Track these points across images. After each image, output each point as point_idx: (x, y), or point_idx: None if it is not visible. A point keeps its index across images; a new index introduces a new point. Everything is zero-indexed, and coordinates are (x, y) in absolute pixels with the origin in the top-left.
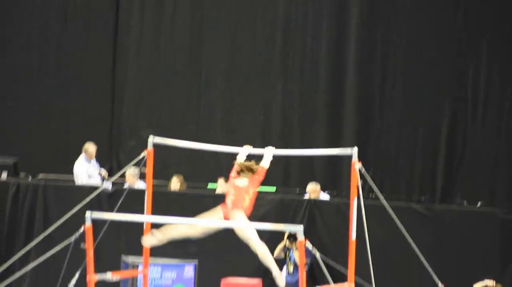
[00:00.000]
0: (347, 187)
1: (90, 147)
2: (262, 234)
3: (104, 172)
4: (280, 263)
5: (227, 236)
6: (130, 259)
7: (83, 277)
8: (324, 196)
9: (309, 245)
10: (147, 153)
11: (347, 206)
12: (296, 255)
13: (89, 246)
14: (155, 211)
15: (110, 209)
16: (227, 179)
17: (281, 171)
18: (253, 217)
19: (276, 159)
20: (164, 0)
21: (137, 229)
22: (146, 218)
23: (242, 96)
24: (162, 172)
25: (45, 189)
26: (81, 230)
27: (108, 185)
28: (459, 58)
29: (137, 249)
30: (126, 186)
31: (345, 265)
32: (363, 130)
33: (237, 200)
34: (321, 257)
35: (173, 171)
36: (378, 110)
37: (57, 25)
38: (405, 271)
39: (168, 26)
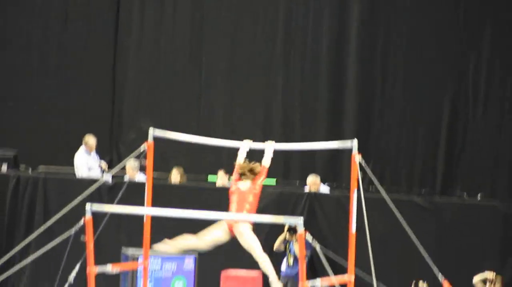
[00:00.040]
0: (347, 180)
1: (90, 139)
2: (262, 226)
3: (104, 165)
4: (280, 255)
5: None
6: (130, 251)
7: (83, 269)
8: (324, 189)
9: (309, 238)
10: (148, 146)
11: (347, 198)
12: (296, 247)
13: (89, 239)
14: (155, 203)
15: (110, 202)
16: (226, 171)
17: (281, 164)
18: None
19: (276, 151)
20: None
21: (137, 221)
22: (146, 210)
23: (242, 95)
24: (162, 165)
25: (45, 182)
26: (81, 222)
27: (108, 178)
28: (460, 51)
29: (137, 241)
30: (126, 178)
31: (345, 258)
32: (363, 123)
33: (240, 205)
34: (321, 250)
35: (173, 164)
36: (379, 105)
37: (58, 20)
38: (405, 264)
39: (170, 21)
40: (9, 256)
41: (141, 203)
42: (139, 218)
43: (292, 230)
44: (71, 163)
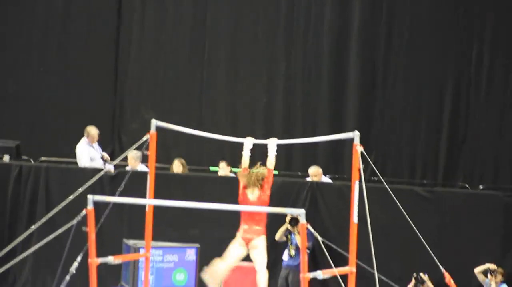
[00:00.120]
0: (349, 172)
1: (92, 130)
2: None
3: (106, 156)
4: (282, 246)
5: (229, 220)
6: (132, 242)
7: (85, 260)
8: (326, 180)
9: (310, 229)
10: (150, 136)
11: (349, 189)
12: (298, 238)
13: (91, 229)
14: (157, 194)
15: (112, 192)
16: (228, 163)
17: (283, 156)
18: None
19: (278, 144)
20: None
21: (139, 212)
22: (148, 201)
23: (244, 89)
24: (163, 156)
25: (47, 172)
26: (83, 213)
27: (110, 168)
28: (461, 43)
29: (139, 233)
30: (128, 169)
31: (347, 248)
32: (365, 115)
33: (251, 217)
34: (322, 241)
35: (174, 155)
36: (380, 97)
37: (61, 10)
38: (407, 254)
39: (173, 12)
40: (11, 246)
41: (143, 193)
42: (141, 209)
43: (294, 221)
44: (73, 155)
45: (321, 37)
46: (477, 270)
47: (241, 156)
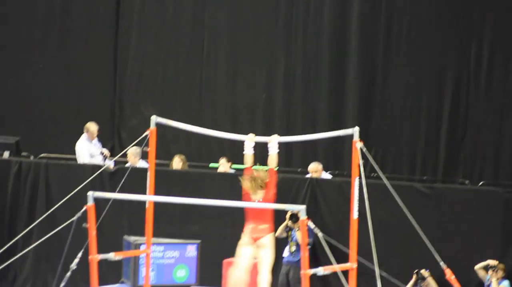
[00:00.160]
0: (349, 169)
1: (92, 127)
2: None
3: (106, 152)
4: (282, 242)
5: (229, 216)
6: (133, 238)
7: (85, 256)
8: (326, 177)
9: (311, 225)
10: (150, 132)
11: (349, 185)
12: (298, 234)
13: (91, 226)
14: (157, 190)
15: (113, 188)
16: (228, 159)
17: (283, 153)
18: None
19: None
20: None
21: (140, 208)
22: (148, 197)
23: (244, 85)
24: (163, 153)
25: (47, 168)
26: (84, 209)
27: (110, 164)
28: (461, 38)
29: (140, 229)
30: (128, 165)
31: (347, 244)
32: (365, 111)
33: (257, 217)
34: (323, 237)
35: (174, 151)
36: (380, 92)
37: (60, 3)
38: (407, 250)
39: (172, 8)
40: (11, 243)
41: (143, 189)
42: (142, 205)
43: (294, 217)
44: (73, 151)
45: (321, 34)
46: (478, 266)
47: (241, 152)
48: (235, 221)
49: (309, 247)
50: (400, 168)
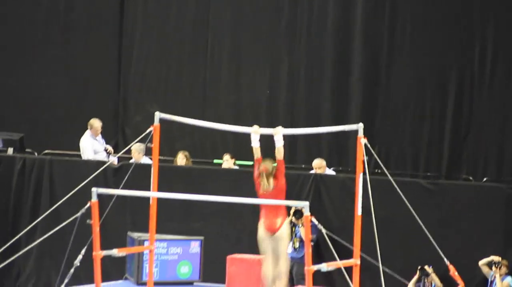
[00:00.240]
0: (353, 165)
1: (95, 123)
2: None
3: (110, 148)
4: None
5: (233, 213)
6: (136, 235)
7: (89, 252)
8: (330, 173)
9: (315, 221)
10: (154, 128)
11: (353, 181)
12: (302, 231)
13: (95, 222)
14: (160, 186)
15: (116, 185)
16: (232, 155)
17: (287, 149)
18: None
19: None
20: None
21: (143, 204)
22: (152, 194)
23: (248, 81)
24: (167, 149)
25: (51, 164)
26: (87, 206)
27: (114, 160)
28: (466, 35)
29: (143, 225)
30: (132, 161)
31: (350, 240)
32: (369, 108)
33: (271, 210)
34: (327, 233)
35: (178, 147)
36: (384, 89)
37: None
38: (411, 246)
39: (176, 5)
40: (15, 239)
41: (147, 186)
42: (145, 201)
43: (298, 213)
44: (77, 148)
45: (324, 34)
46: (482, 262)
47: (245, 148)
48: (239, 218)
49: (312, 243)
50: (403, 167)
